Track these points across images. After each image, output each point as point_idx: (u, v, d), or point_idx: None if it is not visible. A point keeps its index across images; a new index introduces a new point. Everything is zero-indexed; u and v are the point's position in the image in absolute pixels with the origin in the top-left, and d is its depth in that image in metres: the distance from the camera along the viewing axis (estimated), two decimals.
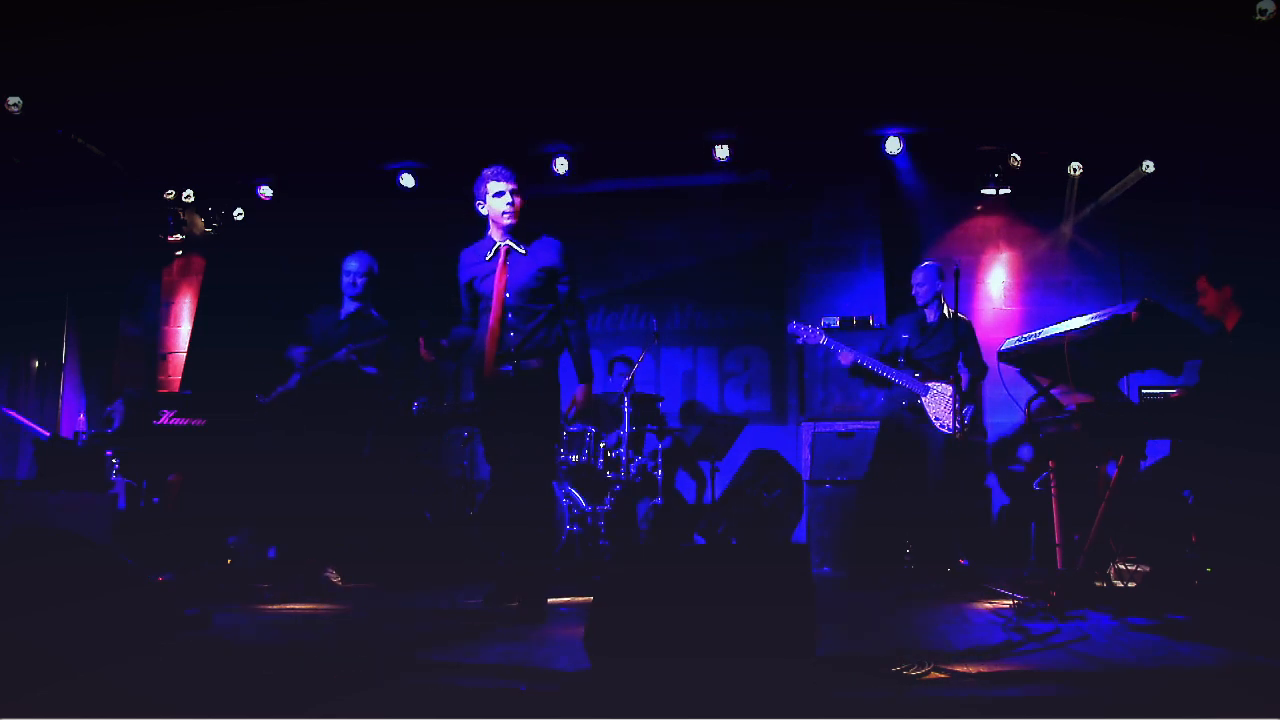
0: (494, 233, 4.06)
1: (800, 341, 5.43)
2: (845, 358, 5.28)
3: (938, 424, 5.20)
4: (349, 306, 5.18)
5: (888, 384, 5.37)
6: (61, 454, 5.79)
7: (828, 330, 5.76)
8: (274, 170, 7.13)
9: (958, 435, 5.11)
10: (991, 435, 6.49)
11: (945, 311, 5.41)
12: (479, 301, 4.09)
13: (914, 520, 5.34)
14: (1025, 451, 6.57)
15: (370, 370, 5.05)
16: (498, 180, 3.98)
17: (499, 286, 3.95)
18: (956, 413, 5.13)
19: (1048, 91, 5.64)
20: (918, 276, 5.48)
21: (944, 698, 2.24)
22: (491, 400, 4.01)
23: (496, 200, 3.97)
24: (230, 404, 5.25)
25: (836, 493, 5.94)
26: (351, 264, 5.16)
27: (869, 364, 5.29)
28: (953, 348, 5.31)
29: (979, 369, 5.34)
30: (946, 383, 5.24)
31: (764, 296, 7.43)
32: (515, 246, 4.02)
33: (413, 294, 7.45)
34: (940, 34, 5.08)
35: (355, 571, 5.24)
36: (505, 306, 3.96)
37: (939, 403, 5.23)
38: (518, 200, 3.99)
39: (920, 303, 5.47)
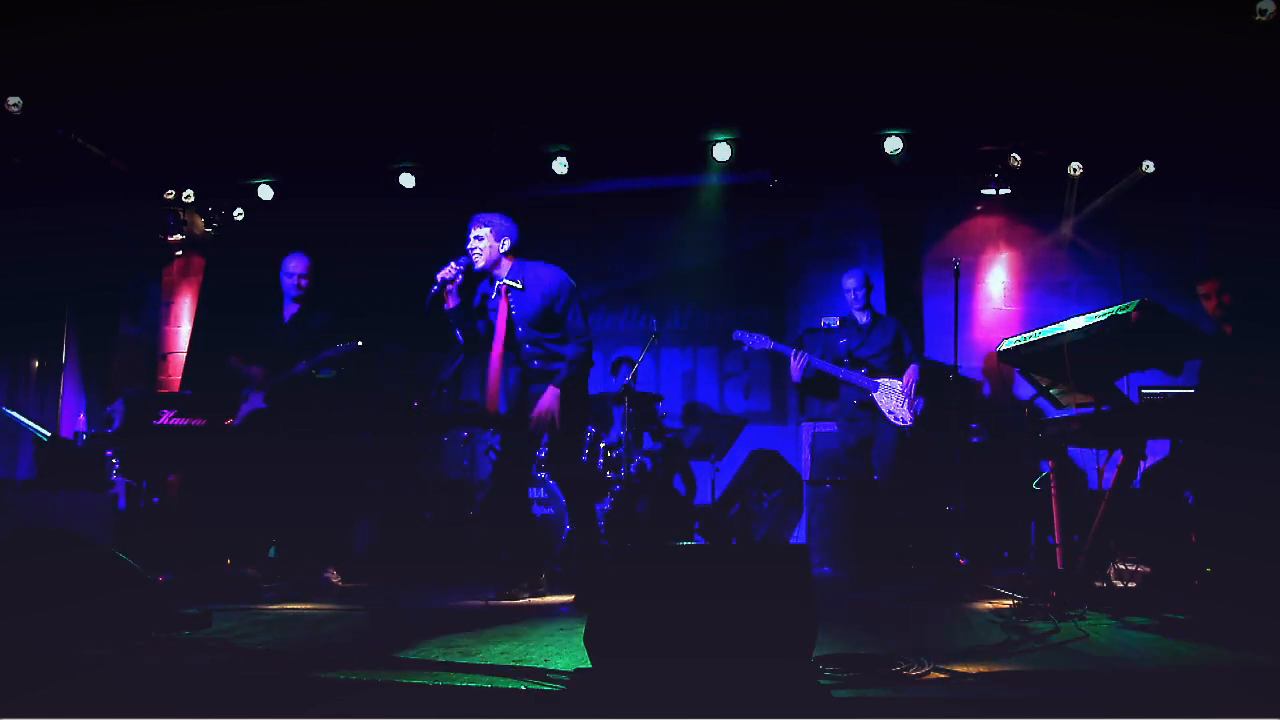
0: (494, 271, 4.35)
1: (747, 349, 5.50)
2: (796, 368, 5.33)
3: (892, 418, 5.28)
4: (291, 308, 5.11)
5: (845, 385, 5.45)
6: (61, 454, 5.78)
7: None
8: (274, 170, 7.13)
9: (908, 427, 5.18)
10: (991, 434, 6.48)
11: (875, 313, 5.59)
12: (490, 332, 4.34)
13: (871, 520, 5.34)
14: (1025, 452, 6.56)
15: (326, 373, 4.98)
16: (471, 226, 4.30)
17: (500, 324, 4.25)
18: (909, 405, 5.25)
19: (1048, 91, 5.65)
20: (848, 282, 5.59)
21: (944, 698, 2.24)
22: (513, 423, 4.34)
23: (471, 244, 4.28)
24: (231, 404, 5.24)
25: (836, 493, 5.94)
26: (293, 264, 5.08)
27: (824, 367, 5.37)
28: (892, 341, 5.46)
29: (920, 361, 5.48)
30: (895, 377, 5.35)
31: (764, 296, 7.43)
32: (512, 284, 4.27)
33: (412, 293, 7.47)
34: (940, 34, 5.08)
35: (355, 571, 5.24)
36: (515, 341, 4.28)
37: (890, 397, 5.31)
38: (478, 243, 4.26)
39: (856, 307, 5.57)
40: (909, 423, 5.26)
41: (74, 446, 5.89)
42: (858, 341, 5.50)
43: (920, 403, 5.31)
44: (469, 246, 4.28)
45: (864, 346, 5.47)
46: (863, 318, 5.58)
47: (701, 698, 2.13)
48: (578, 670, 2.45)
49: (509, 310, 4.29)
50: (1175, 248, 6.63)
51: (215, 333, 7.19)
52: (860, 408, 5.36)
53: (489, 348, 4.29)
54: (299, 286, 5.06)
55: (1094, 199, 6.53)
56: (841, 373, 5.37)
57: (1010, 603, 3.85)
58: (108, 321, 7.58)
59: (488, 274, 4.35)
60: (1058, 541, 4.37)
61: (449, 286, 4.20)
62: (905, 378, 5.36)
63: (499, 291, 4.30)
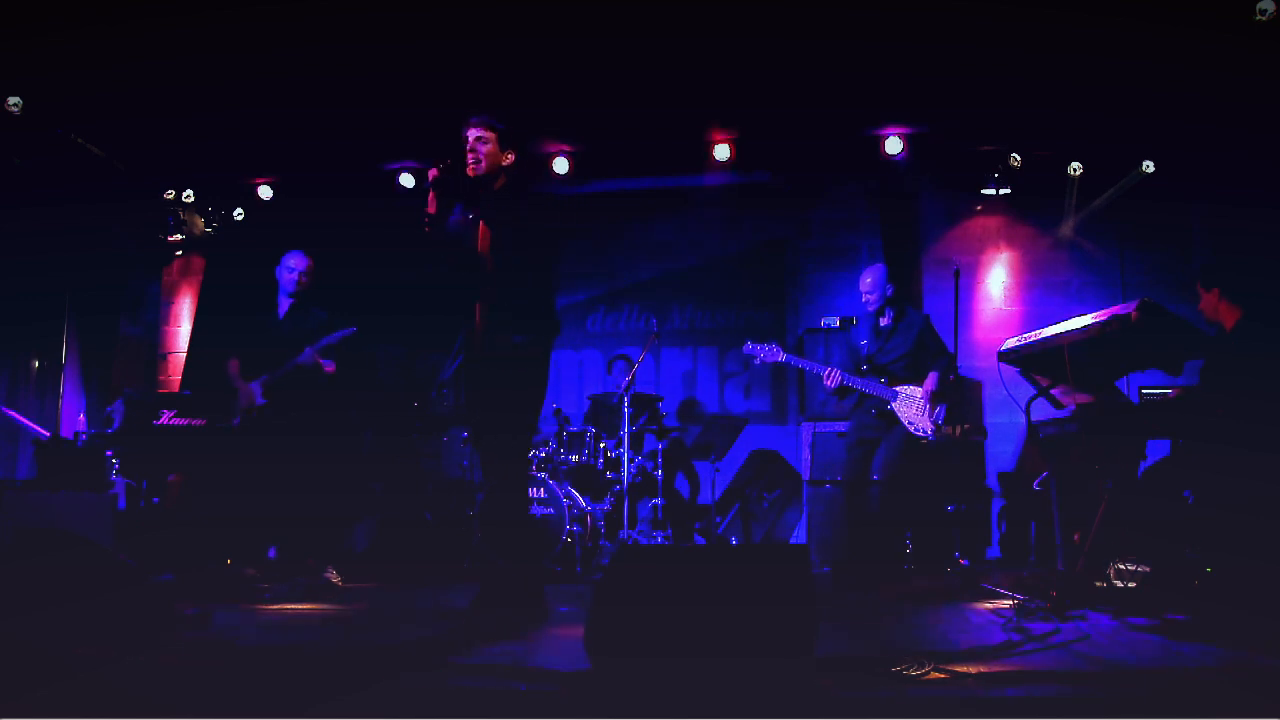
0: (480, 190, 3.70)
1: (758, 362, 5.26)
2: (831, 380, 5.13)
3: (911, 428, 5.08)
4: (286, 304, 5.16)
5: (863, 395, 5.27)
6: (61, 454, 5.78)
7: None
8: (274, 170, 7.13)
9: (930, 438, 5.04)
10: (991, 435, 6.49)
11: (899, 310, 5.27)
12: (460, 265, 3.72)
13: (871, 520, 5.23)
14: (1025, 451, 6.57)
15: (326, 364, 4.99)
16: (468, 129, 3.62)
17: (482, 248, 3.61)
18: (929, 413, 5.09)
19: (1048, 91, 5.64)
20: (865, 281, 5.28)
21: (944, 698, 2.24)
22: (475, 379, 3.70)
23: (468, 152, 3.61)
24: (230, 404, 5.25)
25: (836, 493, 5.93)
26: (293, 260, 5.13)
27: (850, 381, 5.15)
28: (913, 346, 5.20)
29: (943, 359, 5.18)
30: (915, 384, 5.14)
31: (764, 296, 7.43)
32: (497, 205, 3.63)
33: (411, 294, 7.47)
34: (940, 34, 5.08)
35: (355, 571, 5.24)
36: (489, 269, 3.59)
37: (910, 406, 5.11)
38: (482, 148, 3.59)
39: (871, 309, 5.29)
40: (929, 433, 5.06)
41: (74, 446, 5.89)
42: (876, 346, 5.26)
43: (941, 411, 5.10)
44: (466, 148, 3.61)
45: (882, 353, 5.24)
46: (883, 319, 5.27)
47: (702, 698, 2.13)
48: (577, 670, 2.45)
49: (490, 238, 3.61)
50: (1175, 248, 6.64)
51: (215, 333, 7.20)
52: (879, 416, 5.18)
53: (474, 283, 3.63)
54: (298, 283, 5.09)
55: (1094, 199, 6.52)
56: (859, 383, 5.20)
57: (1010, 603, 3.85)
58: (108, 321, 7.59)
59: (475, 191, 3.67)
60: (1058, 542, 4.37)
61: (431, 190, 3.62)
62: (925, 385, 5.13)
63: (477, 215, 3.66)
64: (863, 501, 5.21)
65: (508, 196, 3.64)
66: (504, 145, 3.64)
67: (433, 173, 3.61)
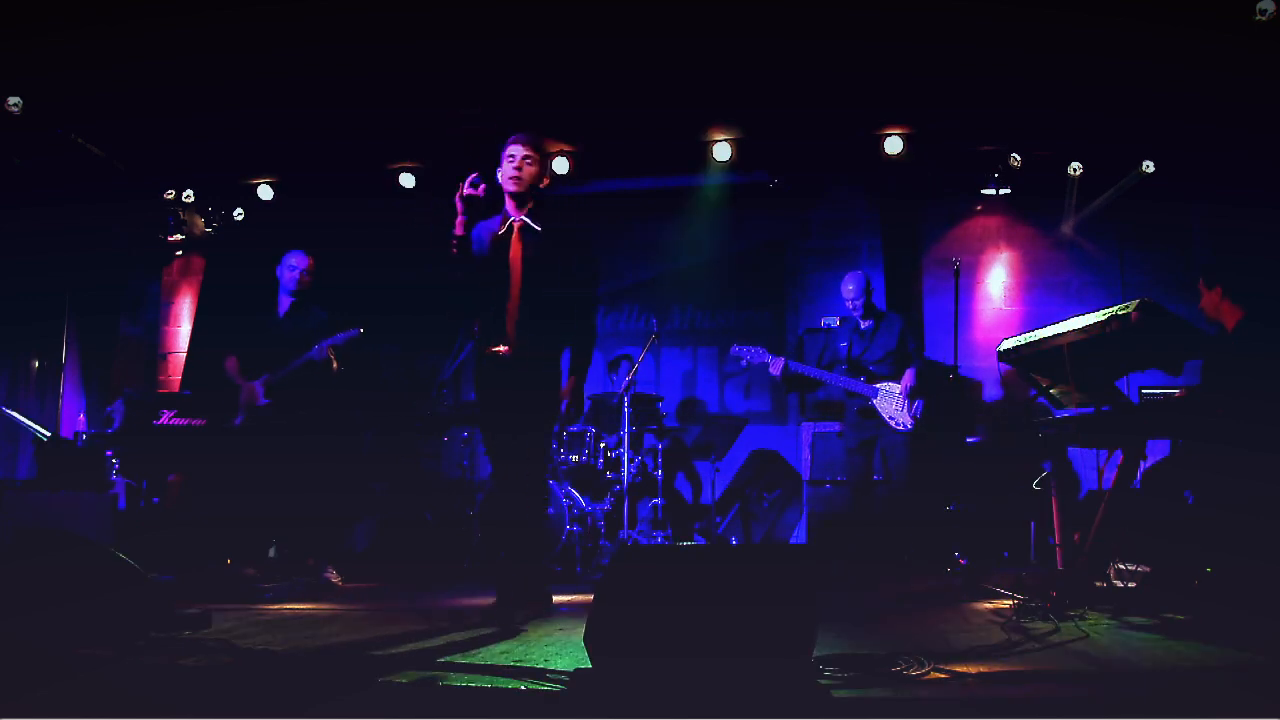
0: (508, 205, 3.76)
1: (744, 363, 5.47)
2: (775, 367, 5.31)
3: (893, 424, 5.21)
4: (286, 303, 5.17)
5: (820, 383, 5.46)
6: (61, 454, 5.78)
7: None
8: (274, 170, 7.13)
9: (910, 430, 5.14)
10: (991, 434, 6.48)
11: (878, 314, 5.50)
12: (484, 279, 3.74)
13: (871, 520, 5.31)
14: (1025, 452, 6.56)
15: (325, 348, 4.96)
16: (512, 144, 3.70)
17: (515, 262, 3.66)
18: (908, 408, 5.18)
19: (1048, 91, 5.65)
20: (847, 287, 5.50)
21: (944, 698, 2.24)
22: (492, 388, 3.77)
23: (506, 164, 3.68)
24: (231, 404, 5.25)
25: (836, 493, 5.94)
26: (295, 259, 5.15)
27: (808, 371, 5.32)
28: (895, 345, 5.38)
29: (919, 360, 5.39)
30: (895, 381, 5.29)
31: (764, 296, 7.43)
32: (529, 223, 3.70)
33: (411, 294, 7.47)
34: (940, 34, 5.08)
35: (355, 571, 5.24)
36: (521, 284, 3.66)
37: (890, 402, 5.25)
38: (527, 167, 3.68)
39: (855, 313, 5.51)
40: (909, 427, 5.20)
41: (74, 446, 5.89)
42: (860, 347, 5.42)
43: (919, 405, 5.25)
44: (510, 164, 3.66)
45: (867, 351, 5.40)
46: (865, 323, 5.50)
47: (702, 698, 2.13)
48: (578, 670, 2.44)
49: (522, 253, 3.67)
50: (1175, 248, 6.64)
51: (215, 333, 7.20)
52: (861, 414, 5.32)
53: (503, 296, 3.66)
54: (299, 281, 5.10)
55: (1094, 199, 6.52)
56: (841, 381, 5.31)
57: (1010, 603, 3.85)
58: (108, 321, 7.59)
59: (501, 209, 3.76)
60: (1058, 541, 4.37)
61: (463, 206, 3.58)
62: (903, 381, 5.30)
63: (510, 229, 3.71)
64: (869, 502, 5.28)
65: (544, 217, 3.74)
66: (544, 169, 3.77)
67: (468, 191, 3.57)
